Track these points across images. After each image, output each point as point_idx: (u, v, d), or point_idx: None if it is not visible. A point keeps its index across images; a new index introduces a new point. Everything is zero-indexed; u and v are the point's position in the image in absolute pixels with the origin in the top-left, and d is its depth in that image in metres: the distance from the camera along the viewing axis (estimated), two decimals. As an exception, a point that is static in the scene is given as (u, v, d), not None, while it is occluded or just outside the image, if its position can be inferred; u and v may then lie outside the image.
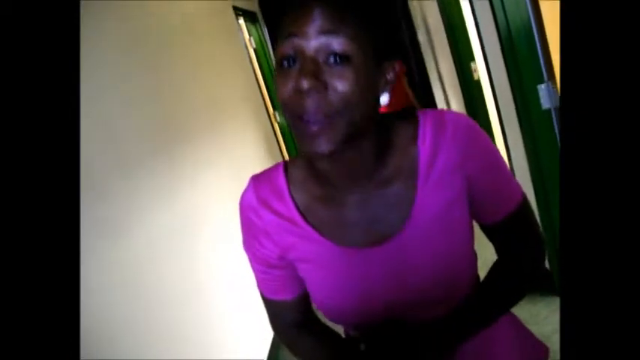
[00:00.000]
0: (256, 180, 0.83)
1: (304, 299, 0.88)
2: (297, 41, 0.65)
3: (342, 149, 0.68)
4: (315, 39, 0.64)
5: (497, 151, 0.81)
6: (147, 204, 1.85)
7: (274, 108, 4.92)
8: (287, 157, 4.72)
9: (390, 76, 0.72)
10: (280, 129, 4.97)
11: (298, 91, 0.64)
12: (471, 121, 0.79)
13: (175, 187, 2.13)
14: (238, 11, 4.25)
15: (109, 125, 1.70)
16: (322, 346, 0.89)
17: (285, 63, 0.66)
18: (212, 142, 2.73)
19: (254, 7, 5.05)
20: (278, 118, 5.00)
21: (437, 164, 0.76)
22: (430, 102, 5.88)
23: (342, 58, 0.64)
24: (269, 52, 5.12)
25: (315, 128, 0.65)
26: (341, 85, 0.64)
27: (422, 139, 0.77)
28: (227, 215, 2.46)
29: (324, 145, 0.66)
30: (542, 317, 2.36)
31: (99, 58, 1.73)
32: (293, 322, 0.90)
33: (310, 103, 0.64)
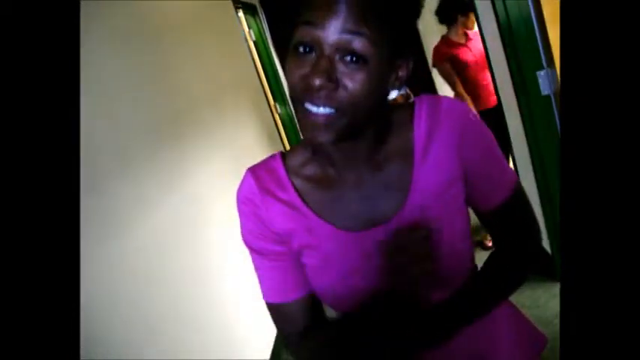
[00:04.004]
0: (254, 171, 0.82)
1: (312, 301, 0.85)
2: (316, 32, 0.64)
3: (343, 138, 0.69)
4: (336, 35, 0.63)
5: (491, 136, 0.82)
6: (149, 195, 1.86)
7: (275, 99, 4.92)
8: (288, 148, 4.72)
9: (402, 73, 0.72)
10: (281, 120, 4.97)
11: (309, 83, 0.65)
12: (466, 106, 0.80)
13: (177, 179, 2.14)
14: (237, 4, 4.24)
15: (111, 118, 1.71)
16: (335, 337, 0.85)
17: (301, 48, 0.66)
18: (213, 133, 2.74)
19: (253, -1, 5.04)
20: (279, 109, 5.00)
21: (433, 145, 0.78)
22: (431, 90, 5.86)
23: (359, 59, 0.64)
24: (269, 44, 5.11)
25: (317, 120, 0.67)
26: (352, 85, 0.65)
27: (417, 121, 0.78)
28: (229, 205, 2.47)
29: (324, 137, 0.68)
30: (542, 302, 2.38)
31: (100, 52, 1.74)
32: (304, 327, 0.85)
33: (318, 99, 0.65)
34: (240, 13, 4.41)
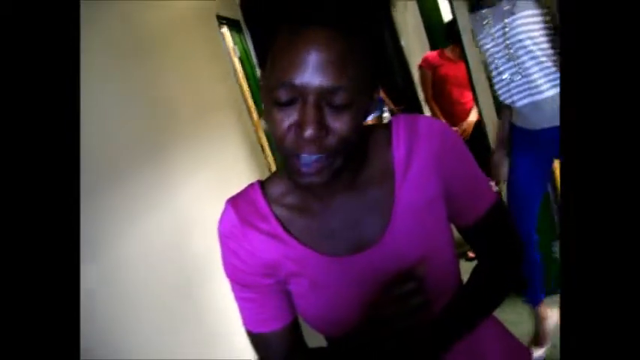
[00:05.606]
0: (234, 202, 0.81)
1: (294, 329, 0.85)
2: (298, 88, 0.63)
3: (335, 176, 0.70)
4: (318, 88, 0.63)
5: (469, 153, 0.83)
6: (133, 210, 1.85)
7: (259, 115, 4.92)
8: (272, 164, 4.73)
9: (376, 95, 0.74)
10: (265, 136, 4.96)
11: (299, 134, 0.65)
12: (444, 124, 0.81)
13: (160, 195, 2.13)
14: (222, 20, 4.25)
15: (94, 133, 1.70)
16: None
17: (282, 101, 0.65)
18: (197, 149, 2.73)
19: (238, 15, 5.05)
20: (263, 125, 4.99)
21: (412, 166, 0.78)
22: (415, 105, 5.90)
23: (344, 106, 0.65)
24: (253, 60, 5.12)
25: (311, 167, 0.67)
26: (341, 126, 0.65)
27: (396, 144, 0.79)
28: (213, 221, 2.46)
29: (318, 180, 0.68)
30: (525, 317, 2.39)
31: (85, 67, 1.73)
32: (284, 355, 0.84)
33: (310, 149, 0.65)
34: (225, 29, 4.42)
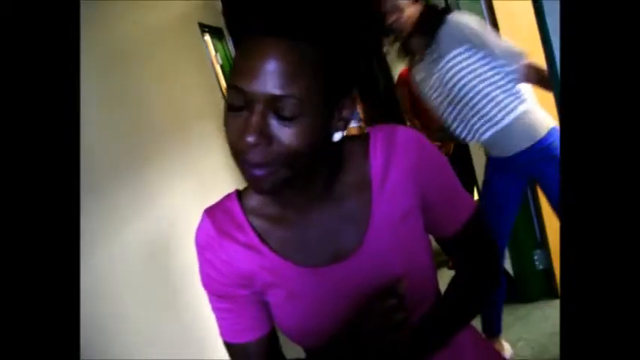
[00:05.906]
0: (211, 212, 0.81)
1: (271, 339, 0.85)
2: (247, 94, 0.64)
3: (284, 187, 0.70)
4: (265, 96, 0.64)
5: (447, 165, 0.84)
6: (114, 218, 1.84)
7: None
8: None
9: (346, 113, 0.72)
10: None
11: (243, 141, 0.65)
12: (421, 135, 0.81)
13: (142, 203, 2.12)
14: (204, 27, 4.24)
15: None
16: None
17: (234, 106, 0.67)
18: (178, 158, 2.72)
19: (220, 23, 5.04)
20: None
21: (390, 177, 0.78)
22: (397, 115, 5.92)
23: (292, 117, 0.65)
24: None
25: (256, 174, 0.67)
26: (287, 139, 0.65)
27: (373, 155, 0.79)
28: (194, 229, 2.44)
29: (264, 187, 0.68)
30: (506, 325, 2.41)
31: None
32: None
33: (253, 155, 0.65)
34: (207, 37, 4.41)
